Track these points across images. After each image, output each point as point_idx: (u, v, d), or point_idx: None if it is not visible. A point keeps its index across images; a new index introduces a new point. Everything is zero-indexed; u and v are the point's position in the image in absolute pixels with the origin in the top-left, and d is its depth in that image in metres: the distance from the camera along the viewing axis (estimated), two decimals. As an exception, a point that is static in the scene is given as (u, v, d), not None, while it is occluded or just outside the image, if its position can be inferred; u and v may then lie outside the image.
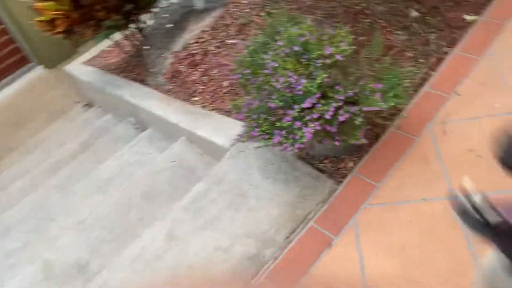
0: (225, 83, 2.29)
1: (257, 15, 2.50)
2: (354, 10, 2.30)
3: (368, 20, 2.19)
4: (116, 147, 2.82)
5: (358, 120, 1.34)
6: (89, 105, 4.11)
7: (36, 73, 5.01)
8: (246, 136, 1.50)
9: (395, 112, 1.68)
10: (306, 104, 1.34)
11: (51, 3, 2.66)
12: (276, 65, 1.43)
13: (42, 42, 4.69)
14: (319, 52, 1.37)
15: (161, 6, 2.68)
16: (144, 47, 2.72)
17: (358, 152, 1.69)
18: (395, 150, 1.63)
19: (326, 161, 1.71)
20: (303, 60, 1.41)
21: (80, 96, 4.34)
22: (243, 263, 1.49)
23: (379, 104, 1.33)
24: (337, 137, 1.40)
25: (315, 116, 1.33)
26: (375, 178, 1.57)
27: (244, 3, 2.64)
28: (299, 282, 1.38)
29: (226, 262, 1.49)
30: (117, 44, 4.00)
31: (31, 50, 4.86)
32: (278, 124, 1.39)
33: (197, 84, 2.43)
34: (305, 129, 1.33)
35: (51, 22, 2.87)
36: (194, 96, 2.39)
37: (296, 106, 1.36)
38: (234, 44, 2.43)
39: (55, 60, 4.89)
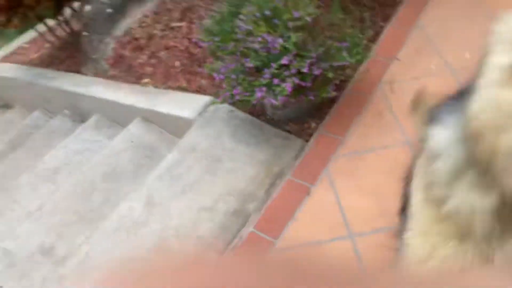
0: (177, 63, 2.32)
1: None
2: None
3: None
4: (54, 141, 2.67)
5: (331, 74, 1.48)
6: (6, 106, 3.79)
7: None
8: (223, 98, 1.57)
9: (349, 74, 1.87)
10: (283, 61, 1.45)
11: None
12: (250, 28, 1.52)
13: None
14: (289, 16, 1.50)
15: (98, -9, 2.62)
16: (84, 33, 2.62)
17: (318, 113, 1.85)
18: (352, 108, 1.81)
19: (290, 123, 1.84)
20: (274, 23, 1.52)
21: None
22: (228, 218, 1.55)
23: (348, 59, 1.49)
24: (311, 93, 1.53)
25: (293, 71, 1.45)
26: (339, 133, 1.74)
27: (185, -11, 2.69)
28: (287, 226, 1.48)
29: (211, 220, 1.54)
30: (34, 40, 3.77)
31: None
32: (257, 82, 1.49)
33: (145, 67, 2.42)
34: (284, 84, 1.44)
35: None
36: (143, 79, 2.38)
37: (273, 64, 1.47)
38: (179, 27, 2.47)
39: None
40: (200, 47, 2.31)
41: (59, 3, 2.79)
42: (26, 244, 1.75)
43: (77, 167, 2.26)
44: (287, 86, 1.44)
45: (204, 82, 2.16)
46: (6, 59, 3.61)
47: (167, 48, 2.41)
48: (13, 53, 3.67)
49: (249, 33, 1.53)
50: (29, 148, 2.72)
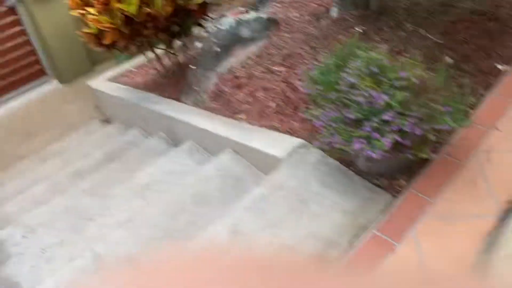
0: (272, 104, 2.45)
1: (301, 48, 2.71)
2: (391, 49, 2.55)
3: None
4: (149, 159, 2.90)
5: (431, 136, 1.51)
6: (107, 121, 4.19)
7: (50, 87, 5.08)
8: (320, 144, 1.65)
9: (446, 137, 1.87)
10: (385, 117, 1.50)
11: (104, 16, 2.81)
12: (355, 81, 1.60)
13: (61, 56, 4.81)
14: (395, 75, 1.56)
15: (210, 32, 2.88)
16: (190, 66, 2.87)
17: (409, 170, 1.85)
18: (445, 171, 1.80)
19: (379, 177, 1.86)
20: (379, 80, 1.59)
21: (98, 112, 4.42)
22: (309, 261, 1.58)
23: (450, 124, 1.51)
24: (409, 151, 1.56)
25: (394, 128, 1.49)
26: (429, 194, 1.72)
27: (287, 37, 2.87)
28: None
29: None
30: (141, 65, 4.18)
31: (49, 63, 4.95)
32: (356, 134, 1.55)
33: (242, 104, 2.58)
34: (383, 139, 1.49)
35: (99, 35, 3.02)
36: (238, 114, 2.53)
37: (375, 119, 1.52)
38: (279, 71, 2.62)
39: (71, 75, 4.99)
40: (296, 91, 2.44)
41: (172, 37, 3.10)
42: (115, 251, 1.90)
43: (167, 186, 2.43)
44: (387, 141, 1.48)
45: (296, 124, 2.26)
46: (116, 79, 4.01)
47: (264, 89, 2.56)
48: (122, 75, 4.07)
49: (353, 86, 1.61)
50: (124, 162, 2.97)
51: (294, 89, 2.45)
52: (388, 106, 1.51)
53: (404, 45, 2.49)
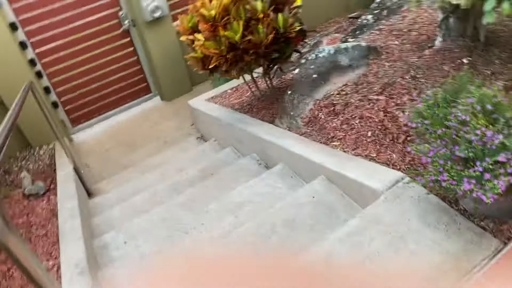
0: (369, 133, 2.42)
1: (402, 77, 2.65)
2: (504, 86, 2.39)
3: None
4: (241, 178, 3.01)
5: (553, 181, 1.39)
6: (202, 138, 4.43)
7: (153, 103, 5.51)
8: (426, 181, 1.59)
9: None
10: (500, 158, 1.42)
11: (211, 42, 3.01)
12: (467, 118, 1.53)
13: (165, 76, 5.19)
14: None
15: (308, 58, 2.93)
16: (288, 92, 2.95)
17: (522, 217, 1.71)
18: None
19: (486, 220, 1.74)
20: (494, 118, 1.50)
21: (194, 130, 4.70)
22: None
23: None
24: (525, 195, 1.45)
25: (510, 170, 1.40)
26: (546, 245, 1.57)
27: (387, 65, 2.82)
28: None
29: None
30: (237, 87, 4.37)
31: (154, 82, 5.37)
32: (466, 173, 1.47)
33: (337, 131, 2.58)
34: (497, 181, 1.40)
35: (204, 59, 3.24)
36: (333, 141, 2.54)
37: (488, 159, 1.44)
38: (377, 100, 2.59)
39: (172, 94, 5.37)
40: (395, 122, 2.38)
41: (271, 63, 3.22)
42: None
43: (258, 207, 2.50)
44: (500, 184, 1.39)
45: (394, 156, 2.20)
46: (213, 99, 4.24)
47: (361, 117, 2.54)
48: (219, 96, 4.29)
49: (464, 123, 1.54)
50: (218, 180, 3.11)
51: (393, 119, 2.40)
52: (503, 147, 1.42)
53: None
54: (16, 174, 4.27)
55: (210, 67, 3.17)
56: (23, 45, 4.34)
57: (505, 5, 1.74)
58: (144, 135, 4.95)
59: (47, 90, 4.70)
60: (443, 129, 1.62)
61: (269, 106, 3.51)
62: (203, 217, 2.59)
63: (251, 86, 3.74)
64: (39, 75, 4.56)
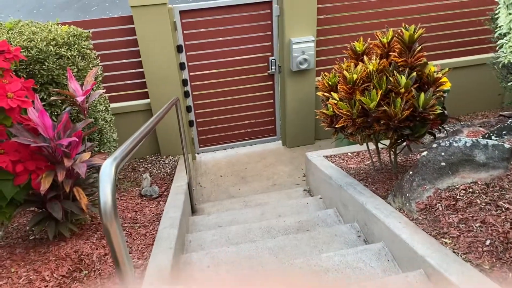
0: (487, 242, 2.17)
1: (544, 193, 2.34)
2: None
3: None
4: (335, 244, 2.92)
5: None
6: (309, 192, 4.44)
7: (274, 146, 5.71)
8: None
9: None
10: None
11: (344, 104, 3.05)
12: None
13: (292, 124, 5.36)
14: None
15: (441, 144, 2.78)
16: (410, 172, 2.82)
17: None
18: None
19: None
20: None
21: (304, 181, 4.73)
22: None
23: None
24: None
25: None
26: None
27: (530, 176, 2.53)
28: None
29: None
30: (358, 152, 4.31)
31: (281, 126, 5.58)
32: None
33: (452, 228, 2.36)
34: None
35: (333, 117, 3.29)
36: (444, 237, 2.33)
37: None
38: (507, 208, 2.32)
39: (294, 142, 5.51)
40: (524, 239, 2.10)
41: (400, 138, 3.12)
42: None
43: (343, 278, 2.38)
44: None
45: (510, 276, 1.93)
46: (331, 158, 4.24)
47: (483, 222, 2.30)
48: (337, 156, 4.28)
49: None
50: (312, 238, 3.06)
51: (522, 235, 2.12)
52: None
53: None
54: (141, 174, 4.78)
55: (337, 126, 3.21)
56: (182, 66, 4.94)
57: None
58: (257, 173, 5.14)
59: (188, 109, 5.23)
60: None
61: (386, 180, 3.39)
62: (285, 268, 2.56)
63: (373, 156, 3.66)
64: (186, 94, 5.11)
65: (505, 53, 2.16)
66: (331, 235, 3.06)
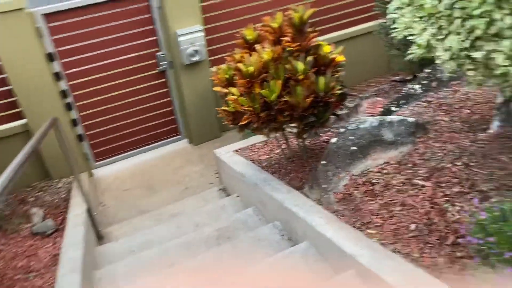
0: (412, 226, 2.12)
1: (452, 163, 2.37)
2: None
3: None
4: (261, 249, 2.73)
5: None
6: (224, 191, 4.20)
7: (180, 146, 5.36)
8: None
9: None
10: None
11: (245, 99, 2.83)
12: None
13: (195, 120, 5.06)
14: None
15: (348, 128, 2.70)
16: (322, 162, 2.70)
17: None
18: None
19: None
20: None
21: (218, 180, 4.48)
22: None
23: None
24: None
25: None
26: None
27: (436, 146, 2.55)
28: None
29: None
30: (267, 141, 4.15)
31: (184, 124, 5.24)
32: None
33: (374, 216, 2.29)
34: None
35: (235, 114, 3.05)
36: (369, 228, 2.24)
37: None
38: (423, 186, 2.30)
39: (200, 139, 5.22)
40: (444, 217, 2.08)
41: (306, 126, 2.99)
42: None
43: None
44: None
45: (440, 261, 1.89)
46: (240, 151, 4.03)
47: (403, 204, 2.25)
48: (246, 148, 4.08)
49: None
50: (236, 247, 2.84)
51: (441, 213, 2.10)
52: None
53: None
54: (31, 205, 4.15)
55: (241, 123, 2.97)
56: (58, 76, 4.31)
57: None
58: (166, 178, 4.77)
59: (74, 122, 4.62)
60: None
61: (298, 169, 3.26)
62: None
63: (281, 144, 3.52)
64: (68, 107, 4.50)
65: (397, 28, 2.06)
66: (254, 240, 2.86)
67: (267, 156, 3.80)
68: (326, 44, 2.94)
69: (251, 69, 2.81)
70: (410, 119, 2.67)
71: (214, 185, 4.44)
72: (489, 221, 1.44)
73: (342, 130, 2.74)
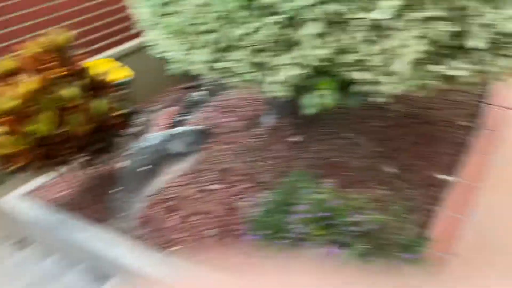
0: (211, 232, 2.19)
1: (236, 162, 2.54)
2: (331, 162, 2.44)
3: (350, 173, 2.32)
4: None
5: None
6: (22, 242, 3.64)
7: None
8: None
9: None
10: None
11: (11, 138, 2.48)
12: (304, 230, 1.40)
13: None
14: (351, 220, 1.39)
15: (136, 148, 2.63)
16: (116, 189, 2.56)
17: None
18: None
19: None
20: (333, 225, 1.40)
21: (11, 231, 3.85)
22: None
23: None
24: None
25: None
26: None
27: (222, 148, 2.69)
28: None
29: None
30: (62, 176, 3.76)
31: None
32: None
33: (176, 231, 2.29)
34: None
35: (10, 157, 2.64)
36: (173, 245, 2.23)
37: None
38: (216, 189, 2.40)
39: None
40: (235, 215, 2.20)
41: (95, 153, 2.79)
42: None
43: None
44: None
45: (237, 261, 1.99)
46: (32, 193, 3.55)
47: (198, 213, 2.31)
48: (37, 189, 3.62)
49: (305, 238, 1.40)
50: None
51: (234, 212, 2.22)
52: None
53: (342, 156, 2.40)
54: None
55: (20, 166, 2.61)
56: None
57: (328, 100, 1.70)
58: None
59: None
60: (286, 240, 1.46)
61: (99, 200, 3.04)
62: None
63: (76, 176, 3.23)
64: None
65: (152, 45, 2.08)
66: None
67: (64, 192, 3.43)
68: (106, 63, 2.80)
69: (13, 103, 2.47)
70: (197, 127, 2.75)
71: (7, 239, 3.81)
72: (262, 216, 1.57)
73: (133, 150, 2.65)
